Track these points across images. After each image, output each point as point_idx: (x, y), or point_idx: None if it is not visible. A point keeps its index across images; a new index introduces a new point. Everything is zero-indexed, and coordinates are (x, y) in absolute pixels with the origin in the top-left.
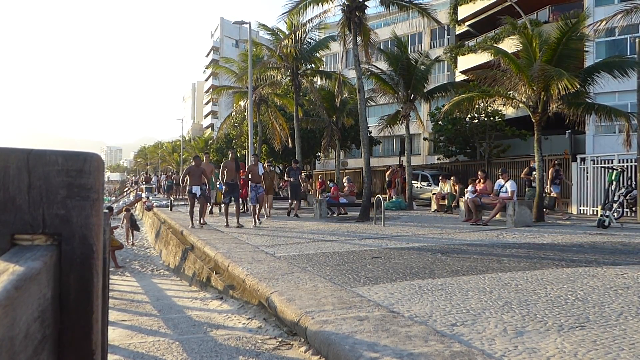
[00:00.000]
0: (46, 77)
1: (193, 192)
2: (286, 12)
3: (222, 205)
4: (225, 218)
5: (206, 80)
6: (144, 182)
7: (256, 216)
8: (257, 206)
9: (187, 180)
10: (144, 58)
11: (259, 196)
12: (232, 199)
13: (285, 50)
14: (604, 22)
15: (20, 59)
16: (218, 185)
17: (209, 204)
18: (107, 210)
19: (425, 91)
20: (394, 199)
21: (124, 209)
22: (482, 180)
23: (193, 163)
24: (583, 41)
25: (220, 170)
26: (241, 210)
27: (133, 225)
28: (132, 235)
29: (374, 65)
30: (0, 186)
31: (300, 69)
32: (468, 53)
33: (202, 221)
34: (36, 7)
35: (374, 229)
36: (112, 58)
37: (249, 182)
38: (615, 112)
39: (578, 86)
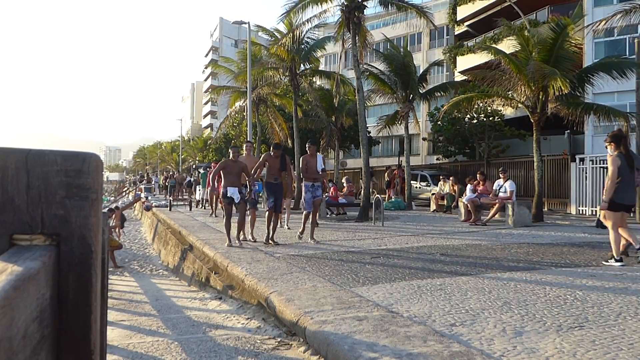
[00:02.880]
0: (45, 77)
1: (229, 195)
2: (285, 13)
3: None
4: (267, 230)
5: (205, 80)
6: (140, 183)
7: (310, 229)
8: (311, 214)
9: (216, 179)
10: (144, 58)
11: (316, 200)
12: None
13: (281, 49)
14: (603, 23)
15: (20, 59)
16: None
17: (248, 212)
18: (106, 211)
19: (424, 91)
20: (393, 199)
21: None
22: (481, 183)
23: (230, 155)
24: (574, 44)
25: (258, 164)
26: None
27: (122, 221)
28: (120, 233)
29: (372, 66)
30: None
31: (299, 69)
32: (467, 53)
33: (242, 237)
34: (36, 7)
35: (373, 229)
36: (111, 58)
37: (303, 179)
38: (614, 112)
39: (569, 88)
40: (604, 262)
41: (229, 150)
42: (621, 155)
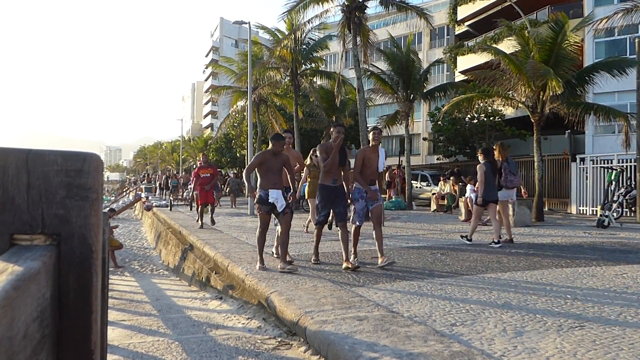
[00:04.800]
0: (46, 77)
1: (270, 201)
2: (287, 12)
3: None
4: (315, 249)
5: (206, 80)
6: (142, 183)
7: (378, 247)
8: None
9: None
10: (144, 58)
11: (375, 209)
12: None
13: (284, 51)
14: (603, 22)
15: (20, 59)
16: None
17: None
18: (107, 211)
19: (424, 91)
20: (393, 199)
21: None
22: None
23: (270, 146)
24: (574, 43)
25: (321, 158)
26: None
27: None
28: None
29: (373, 65)
30: None
31: (299, 69)
32: (467, 53)
33: (285, 257)
34: (36, 7)
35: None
36: (111, 58)
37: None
38: (614, 112)
39: (562, 88)
40: (490, 245)
41: (270, 140)
42: (487, 164)
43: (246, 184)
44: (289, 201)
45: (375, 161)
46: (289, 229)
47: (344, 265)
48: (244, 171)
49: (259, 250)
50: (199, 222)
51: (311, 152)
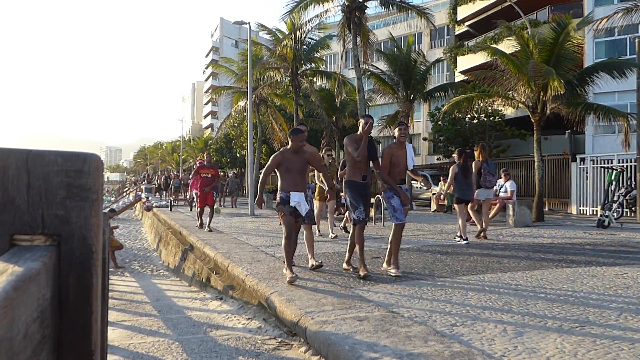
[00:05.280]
0: (46, 77)
1: (291, 204)
2: (288, 12)
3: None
4: (360, 257)
5: (206, 80)
6: (142, 183)
7: (393, 253)
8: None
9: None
10: (144, 58)
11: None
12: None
13: (285, 51)
14: (603, 21)
15: (20, 59)
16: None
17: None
18: (107, 211)
19: (425, 91)
20: None
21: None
22: None
23: (289, 143)
24: (576, 43)
25: (351, 149)
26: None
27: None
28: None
29: (373, 65)
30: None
31: (299, 69)
32: (467, 53)
33: (313, 263)
34: (36, 7)
35: (374, 229)
36: (111, 58)
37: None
38: (614, 112)
39: (564, 88)
40: (454, 239)
41: (289, 136)
42: (459, 165)
43: (259, 189)
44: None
45: (403, 159)
46: (311, 235)
47: (392, 271)
48: (263, 173)
49: (286, 260)
50: (199, 222)
51: (323, 151)
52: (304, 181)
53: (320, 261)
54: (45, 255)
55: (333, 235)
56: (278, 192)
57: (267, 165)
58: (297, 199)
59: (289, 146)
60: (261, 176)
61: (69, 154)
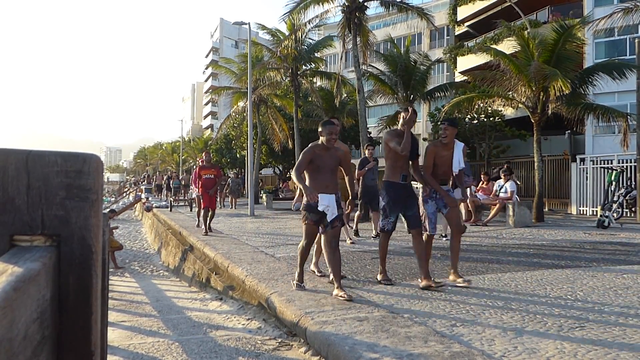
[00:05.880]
0: (46, 77)
1: (319, 208)
2: (288, 12)
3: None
4: (381, 264)
5: (206, 81)
6: (143, 183)
7: (452, 262)
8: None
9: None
10: (144, 59)
11: (450, 214)
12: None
13: (285, 51)
14: (603, 21)
15: (20, 59)
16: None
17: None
18: (107, 212)
19: (425, 92)
20: None
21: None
22: (485, 182)
23: (321, 138)
24: (577, 43)
25: (393, 144)
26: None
27: None
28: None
29: (372, 66)
30: None
31: (300, 70)
32: (467, 54)
33: (339, 279)
34: (36, 7)
35: (374, 230)
36: (111, 59)
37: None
38: (614, 113)
39: (570, 88)
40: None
41: (320, 128)
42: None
43: (302, 187)
44: (347, 211)
45: (448, 159)
46: (337, 242)
47: (423, 283)
48: (294, 172)
49: (299, 263)
50: (200, 225)
51: (365, 148)
52: (336, 182)
53: (324, 272)
54: (45, 255)
55: (350, 242)
56: (306, 193)
57: (298, 162)
58: (326, 202)
59: (320, 141)
60: (296, 173)
61: (69, 155)
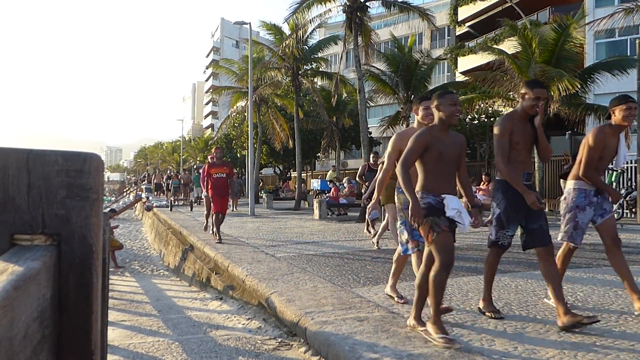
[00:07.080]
0: (46, 77)
1: (448, 214)
2: (292, 13)
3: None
4: (486, 289)
5: (206, 80)
6: (143, 183)
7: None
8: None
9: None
10: (144, 59)
11: (607, 223)
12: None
13: (287, 50)
14: (603, 21)
15: (20, 60)
16: None
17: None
18: (107, 211)
19: (426, 92)
20: None
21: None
22: (486, 183)
23: (438, 114)
24: (577, 43)
25: (501, 143)
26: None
27: None
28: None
29: (373, 66)
30: (0, 186)
31: (301, 70)
32: (468, 54)
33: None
34: (37, 7)
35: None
36: (112, 58)
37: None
38: None
39: (579, 86)
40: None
41: (435, 100)
42: None
43: (407, 193)
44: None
45: (612, 150)
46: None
47: (562, 321)
48: (400, 167)
49: (433, 296)
50: (208, 229)
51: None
52: (455, 180)
53: (405, 297)
54: (46, 255)
55: (376, 244)
56: (420, 193)
57: (407, 152)
58: (455, 204)
59: (438, 119)
60: (402, 167)
61: (70, 154)
